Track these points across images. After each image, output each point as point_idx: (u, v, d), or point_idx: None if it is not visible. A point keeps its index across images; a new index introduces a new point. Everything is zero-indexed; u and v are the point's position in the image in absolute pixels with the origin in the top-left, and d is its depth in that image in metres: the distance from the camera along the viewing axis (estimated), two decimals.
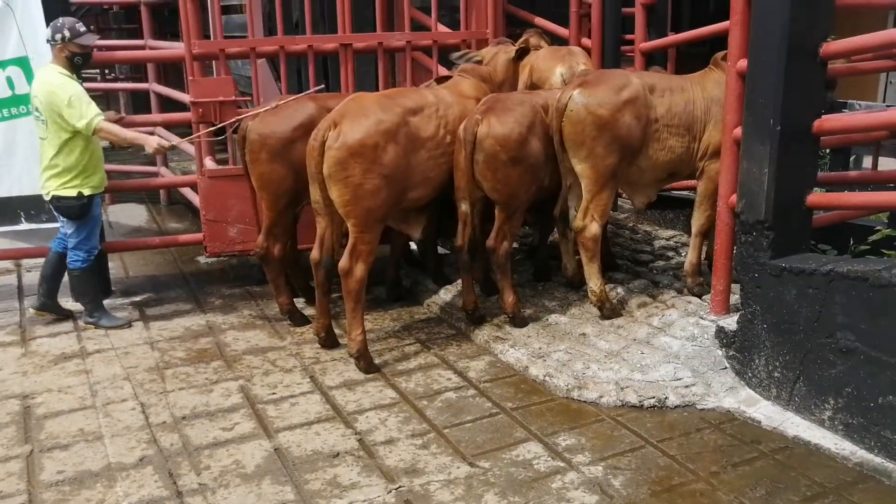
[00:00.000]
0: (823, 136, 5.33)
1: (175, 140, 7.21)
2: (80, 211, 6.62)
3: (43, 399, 5.65)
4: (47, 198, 6.63)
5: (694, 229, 6.68)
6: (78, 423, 5.30)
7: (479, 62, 6.96)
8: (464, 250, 6.42)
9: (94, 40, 6.59)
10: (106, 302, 7.34)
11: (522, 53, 6.99)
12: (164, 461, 4.82)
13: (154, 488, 4.54)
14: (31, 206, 7.18)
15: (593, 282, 6.39)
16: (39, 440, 5.10)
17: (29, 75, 6.93)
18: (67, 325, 6.92)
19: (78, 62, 6.52)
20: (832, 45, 5.03)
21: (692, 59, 9.05)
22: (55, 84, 6.35)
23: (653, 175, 6.52)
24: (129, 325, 6.88)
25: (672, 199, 8.68)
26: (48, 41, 6.46)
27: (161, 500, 4.43)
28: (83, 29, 6.48)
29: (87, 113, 6.32)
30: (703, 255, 6.77)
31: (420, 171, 6.10)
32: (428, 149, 6.12)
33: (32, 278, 8.07)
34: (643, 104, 6.21)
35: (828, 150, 7.82)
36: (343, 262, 5.87)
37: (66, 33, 6.37)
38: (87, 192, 6.58)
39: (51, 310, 7.08)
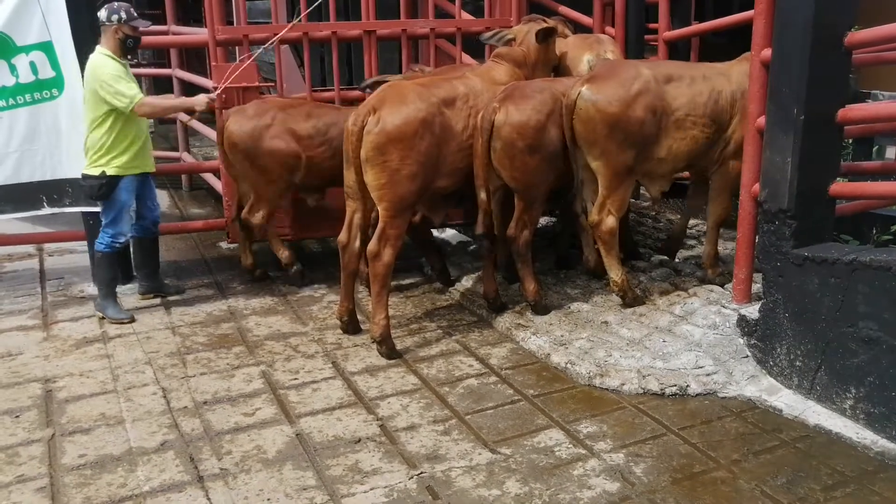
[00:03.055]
0: (847, 125, 5.30)
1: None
2: (100, 191, 6.61)
3: (65, 383, 5.69)
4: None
5: (711, 221, 6.65)
6: (99, 408, 5.34)
7: (512, 40, 6.84)
8: (484, 238, 6.41)
9: (147, 25, 6.70)
10: (128, 287, 7.38)
11: (547, 34, 6.77)
12: (186, 446, 4.85)
13: (175, 473, 4.57)
14: (53, 192, 7.19)
15: (614, 272, 6.38)
16: (61, 424, 5.13)
17: (53, 60, 6.95)
18: (89, 310, 6.96)
19: (130, 45, 6.61)
20: (857, 35, 5.00)
21: (715, 48, 9.02)
22: (97, 63, 6.47)
23: (671, 165, 6.43)
24: (132, 319, 6.82)
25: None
26: (102, 22, 6.53)
27: (182, 485, 4.45)
28: (137, 13, 6.62)
29: (128, 91, 6.40)
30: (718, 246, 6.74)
31: (450, 162, 6.11)
32: (458, 140, 6.13)
33: (54, 262, 8.19)
34: (655, 96, 6.09)
35: (850, 140, 7.77)
36: (372, 246, 5.89)
37: (123, 15, 6.49)
38: (110, 171, 6.56)
39: (156, 290, 7.26)
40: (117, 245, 6.79)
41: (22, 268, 8.15)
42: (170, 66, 11.32)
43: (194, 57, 12.97)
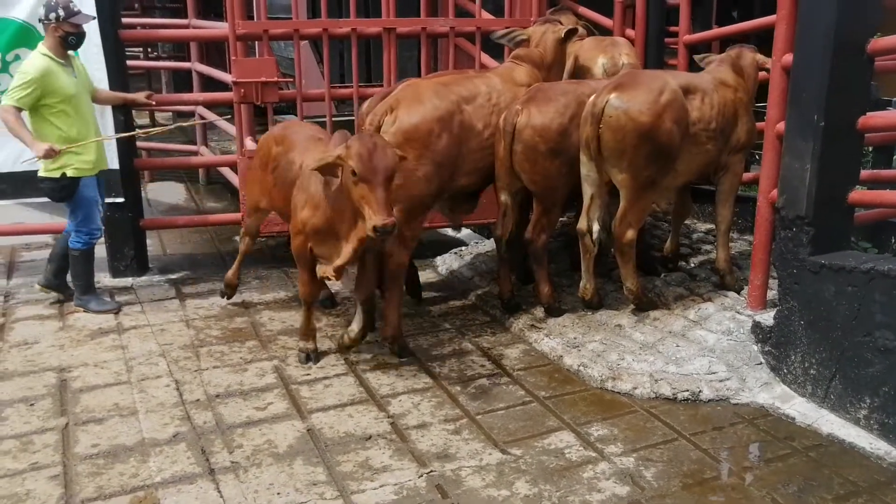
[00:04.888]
0: (868, 133, 5.28)
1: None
2: (60, 193, 6.56)
3: (79, 373, 5.72)
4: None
5: (722, 227, 6.53)
6: (113, 398, 5.36)
7: (526, 41, 6.77)
8: (503, 240, 6.39)
9: (87, 20, 6.52)
10: (143, 279, 7.43)
11: (570, 34, 6.72)
12: (198, 438, 4.86)
13: (187, 465, 4.59)
14: None
15: (630, 282, 6.26)
16: (75, 413, 5.16)
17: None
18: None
19: (72, 42, 6.46)
20: (880, 42, 4.97)
21: None
22: (27, 59, 6.41)
23: (685, 178, 6.38)
24: (119, 309, 6.85)
25: (710, 193, 8.59)
26: (41, 20, 6.43)
27: (193, 477, 4.47)
28: (77, 9, 6.44)
29: (9, 92, 6.28)
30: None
31: (470, 161, 6.08)
32: (479, 139, 6.09)
33: None
34: (681, 107, 5.96)
35: (871, 148, 7.72)
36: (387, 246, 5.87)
37: (61, 12, 6.32)
38: (70, 173, 6.48)
39: (56, 289, 7.09)
40: (94, 241, 6.78)
41: (39, 257, 8.16)
42: (189, 60, 11.35)
43: (214, 51, 13.01)
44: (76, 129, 6.51)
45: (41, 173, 6.52)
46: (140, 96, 7.40)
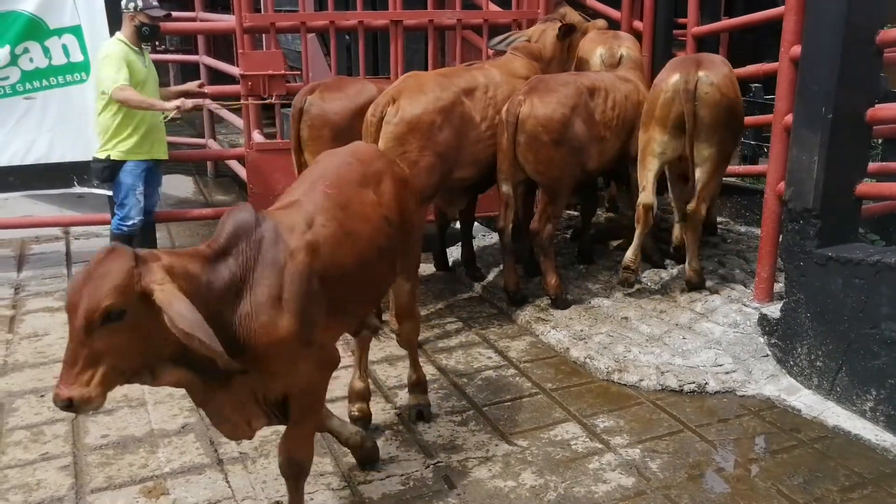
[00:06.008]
0: (876, 125, 5.28)
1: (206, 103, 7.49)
2: (102, 174, 6.77)
3: None
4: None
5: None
6: (122, 389, 5.27)
7: (527, 41, 6.85)
8: (506, 232, 6.40)
9: (161, 13, 6.70)
10: None
11: (567, 32, 6.83)
12: (206, 429, 4.87)
13: (195, 455, 4.62)
14: (83, 171, 7.27)
15: (696, 262, 6.45)
16: None
17: (82, 44, 7.04)
18: None
19: (145, 32, 6.65)
20: (889, 33, 4.96)
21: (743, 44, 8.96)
22: (104, 47, 6.62)
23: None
24: None
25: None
26: (123, 9, 6.61)
27: (202, 467, 4.50)
28: (154, 2, 6.64)
29: (113, 75, 6.43)
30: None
31: (470, 152, 6.11)
32: (477, 131, 6.13)
33: (80, 245, 8.24)
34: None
35: (879, 140, 7.71)
36: None
37: (139, 2, 6.53)
38: (114, 156, 6.67)
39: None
40: (125, 228, 6.83)
41: (49, 250, 8.21)
42: (197, 53, 11.35)
43: (222, 44, 13.01)
44: (141, 114, 6.68)
45: (94, 154, 6.80)
46: (192, 85, 7.56)
